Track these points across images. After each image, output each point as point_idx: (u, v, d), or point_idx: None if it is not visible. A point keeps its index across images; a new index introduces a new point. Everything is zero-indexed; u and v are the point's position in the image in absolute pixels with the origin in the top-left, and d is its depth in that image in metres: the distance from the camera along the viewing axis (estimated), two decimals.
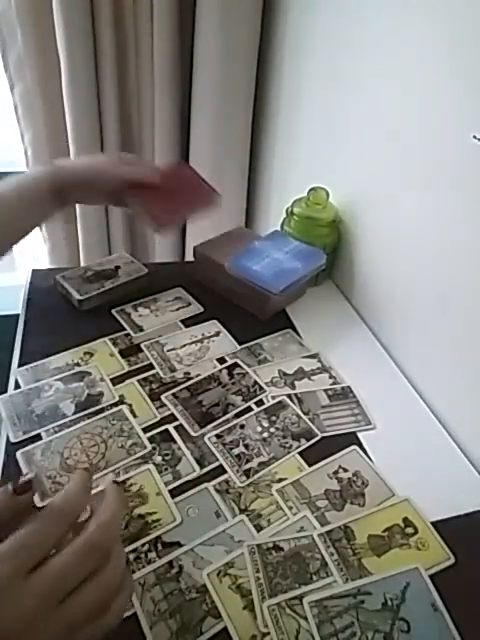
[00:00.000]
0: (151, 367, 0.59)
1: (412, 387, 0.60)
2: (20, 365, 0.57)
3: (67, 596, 0.26)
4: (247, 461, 0.48)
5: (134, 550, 0.40)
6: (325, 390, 0.57)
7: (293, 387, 0.58)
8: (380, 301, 0.69)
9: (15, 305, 0.69)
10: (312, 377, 0.59)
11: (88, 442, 0.49)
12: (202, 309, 0.69)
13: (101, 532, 0.28)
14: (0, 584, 0.25)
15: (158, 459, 0.48)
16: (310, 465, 0.48)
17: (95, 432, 0.50)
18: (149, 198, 0.62)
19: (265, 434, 0.51)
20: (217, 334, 0.65)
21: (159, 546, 0.41)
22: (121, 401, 0.54)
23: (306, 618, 0.37)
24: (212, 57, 0.96)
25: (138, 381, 0.56)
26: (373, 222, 0.70)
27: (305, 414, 0.54)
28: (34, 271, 0.74)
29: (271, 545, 0.41)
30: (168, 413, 0.53)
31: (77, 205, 1.15)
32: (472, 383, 0.53)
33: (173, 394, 0.55)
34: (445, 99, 0.52)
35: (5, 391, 0.54)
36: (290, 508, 0.44)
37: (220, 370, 0.59)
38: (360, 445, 0.51)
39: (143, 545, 0.41)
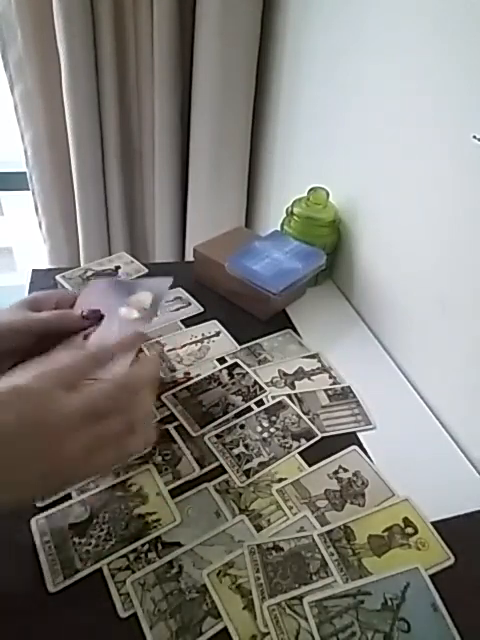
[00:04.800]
0: None
1: (412, 387, 0.60)
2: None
3: (98, 419, 0.34)
4: (247, 461, 0.48)
5: (134, 550, 0.40)
6: (325, 390, 0.57)
7: (293, 387, 0.58)
8: (380, 301, 0.69)
9: None
10: (312, 377, 0.59)
11: None
12: (202, 309, 0.69)
13: (133, 376, 0.35)
14: (47, 391, 0.32)
15: (158, 459, 0.48)
16: (310, 465, 0.48)
17: None
18: None
19: (265, 434, 0.51)
20: (217, 334, 0.65)
21: (159, 546, 0.41)
22: None
23: (306, 618, 0.37)
24: (212, 57, 0.96)
25: None
26: (373, 222, 0.70)
27: (305, 414, 0.54)
28: (34, 271, 0.74)
29: (271, 545, 0.41)
30: (168, 413, 0.53)
31: (77, 205, 1.15)
32: (472, 383, 0.53)
33: (173, 394, 0.55)
34: (445, 99, 0.52)
35: None
36: (290, 508, 0.44)
37: (220, 370, 0.59)
38: (360, 445, 0.51)
39: (143, 545, 0.41)
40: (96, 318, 0.49)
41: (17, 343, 0.47)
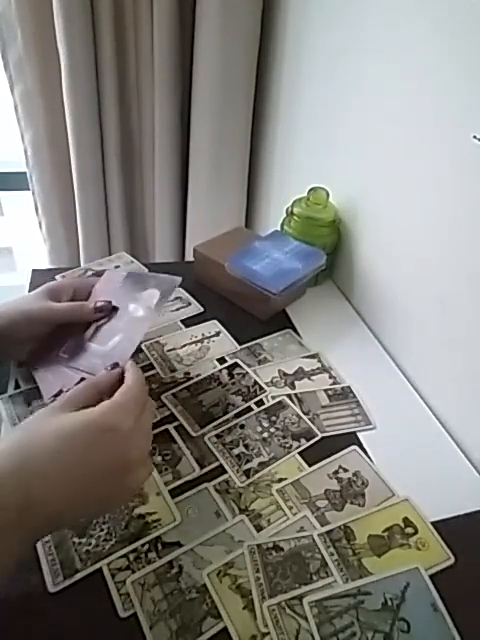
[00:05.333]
0: (151, 367, 0.59)
1: (412, 387, 0.60)
2: (20, 365, 0.57)
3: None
4: (247, 461, 0.48)
5: (134, 550, 0.40)
6: (325, 390, 0.57)
7: (293, 387, 0.58)
8: (380, 301, 0.69)
9: None
10: (312, 377, 0.59)
11: None
12: (202, 309, 0.69)
13: (141, 377, 0.41)
14: (130, 432, 0.35)
15: (158, 459, 0.48)
16: (310, 465, 0.48)
17: None
18: None
19: (265, 434, 0.51)
20: (217, 334, 0.65)
21: (159, 546, 0.41)
22: None
23: (306, 618, 0.37)
24: (212, 57, 0.96)
25: None
26: (373, 222, 0.70)
27: (305, 414, 0.54)
28: (34, 271, 0.74)
29: (271, 545, 0.41)
30: (168, 413, 0.53)
31: (77, 205, 1.15)
32: (472, 383, 0.53)
33: (173, 394, 0.55)
34: (445, 99, 0.52)
35: (5, 391, 0.54)
36: (290, 508, 0.44)
37: (220, 370, 0.59)
38: (360, 445, 0.51)
39: (143, 545, 0.41)
40: (108, 310, 0.54)
41: (33, 332, 0.52)
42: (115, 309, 0.54)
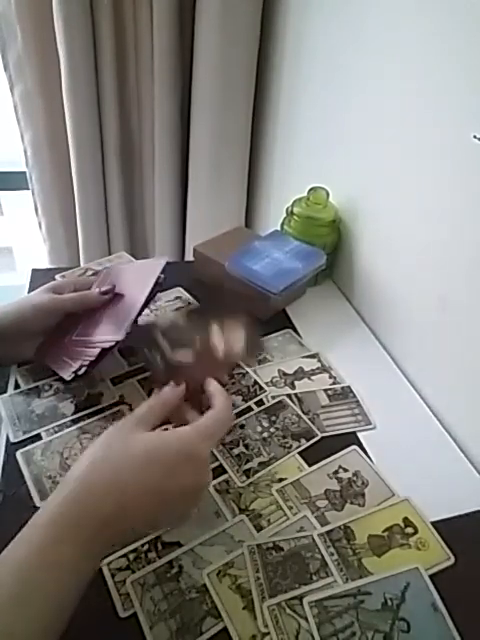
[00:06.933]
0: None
1: (412, 387, 0.60)
2: (20, 365, 0.57)
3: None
4: (247, 461, 0.48)
5: (134, 550, 0.40)
6: (325, 390, 0.57)
7: (293, 387, 0.57)
8: (380, 301, 0.69)
9: None
10: (312, 377, 0.59)
11: (88, 442, 0.49)
12: None
13: (230, 405, 0.43)
14: (206, 458, 0.38)
15: None
16: (310, 465, 0.48)
17: (95, 432, 0.50)
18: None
19: (265, 434, 0.51)
20: None
21: (159, 546, 0.41)
22: (121, 401, 0.54)
23: (306, 618, 0.37)
24: (212, 56, 0.96)
25: (138, 381, 0.56)
26: (373, 222, 0.70)
27: (305, 414, 0.54)
28: (34, 271, 0.74)
29: (271, 545, 0.41)
30: None
31: (77, 205, 1.15)
32: (472, 383, 0.53)
33: None
34: (445, 99, 0.52)
35: (5, 391, 0.54)
36: (290, 508, 0.44)
37: None
38: (360, 445, 0.51)
39: (143, 545, 0.41)
40: (113, 292, 0.57)
41: (43, 324, 0.54)
42: (119, 296, 0.57)
